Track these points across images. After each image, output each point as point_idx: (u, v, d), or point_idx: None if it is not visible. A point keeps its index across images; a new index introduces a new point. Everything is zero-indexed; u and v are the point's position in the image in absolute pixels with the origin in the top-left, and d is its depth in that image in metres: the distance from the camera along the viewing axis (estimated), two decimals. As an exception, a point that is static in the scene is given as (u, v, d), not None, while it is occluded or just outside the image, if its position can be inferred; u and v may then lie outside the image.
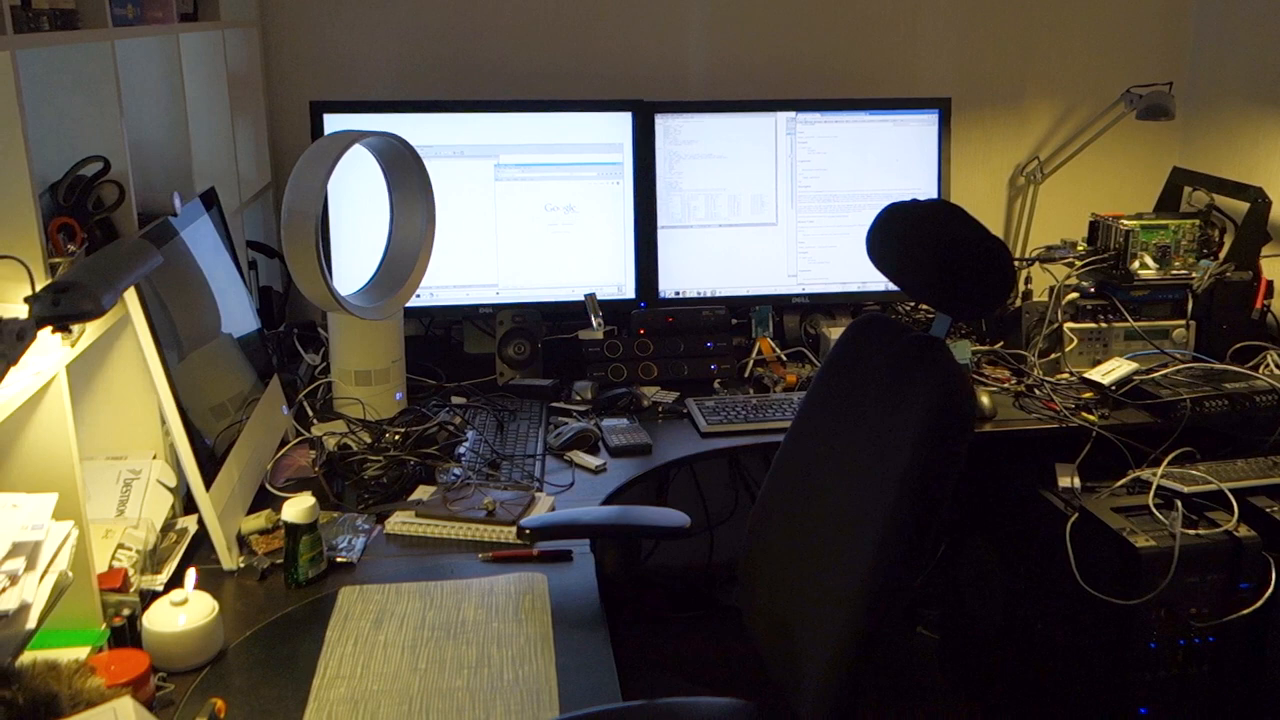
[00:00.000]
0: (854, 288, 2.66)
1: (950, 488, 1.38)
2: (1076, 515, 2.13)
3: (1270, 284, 2.56)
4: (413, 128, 2.28)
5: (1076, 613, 2.14)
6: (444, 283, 2.51)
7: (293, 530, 1.62)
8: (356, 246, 2.40)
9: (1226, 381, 2.34)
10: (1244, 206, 2.54)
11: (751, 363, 2.55)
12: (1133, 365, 2.39)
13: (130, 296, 1.53)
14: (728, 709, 1.34)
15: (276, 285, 2.59)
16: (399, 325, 2.27)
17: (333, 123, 2.41)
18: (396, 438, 2.05)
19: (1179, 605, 2.05)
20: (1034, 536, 2.26)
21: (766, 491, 1.68)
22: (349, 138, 2.02)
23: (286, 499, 1.67)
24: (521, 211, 2.53)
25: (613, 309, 2.53)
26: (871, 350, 1.57)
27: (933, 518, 1.37)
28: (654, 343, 2.50)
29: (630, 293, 2.59)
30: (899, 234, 1.51)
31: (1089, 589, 2.06)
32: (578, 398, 2.36)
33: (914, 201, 1.52)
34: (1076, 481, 2.21)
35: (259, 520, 1.74)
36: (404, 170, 2.20)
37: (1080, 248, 2.63)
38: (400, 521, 1.82)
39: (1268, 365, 2.46)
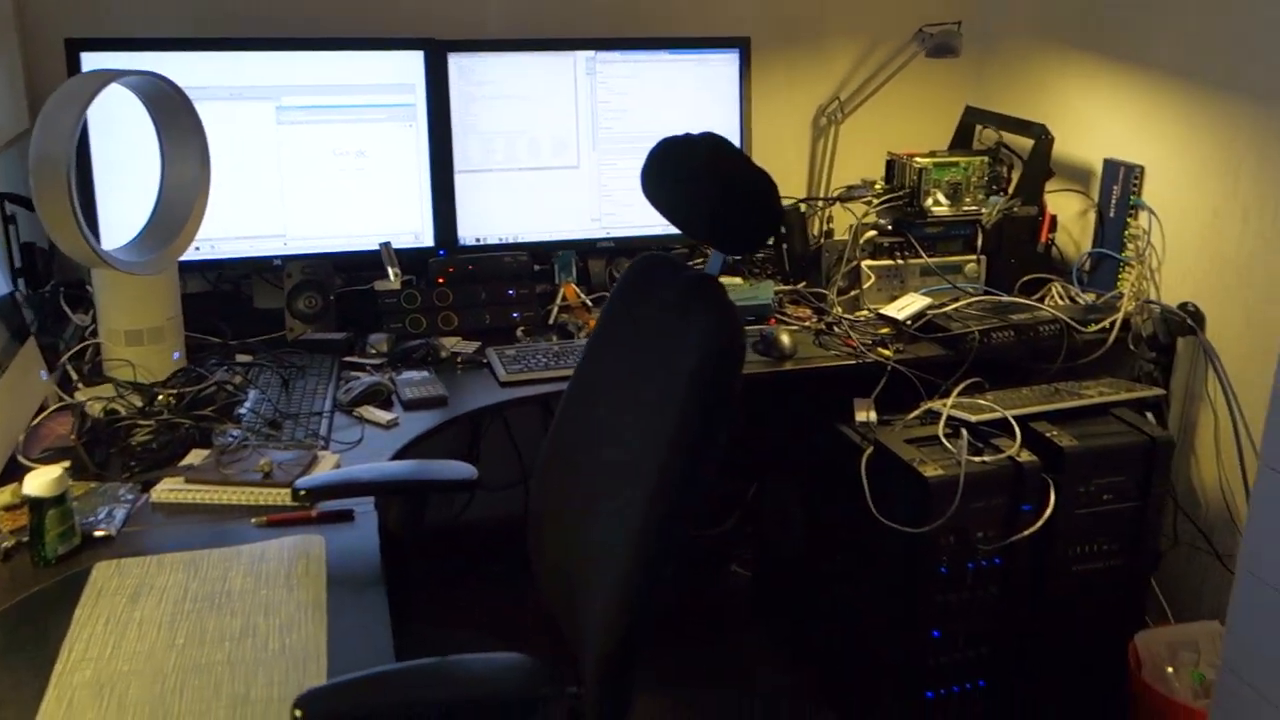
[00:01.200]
0: (658, 230, 2.61)
1: (725, 425, 1.36)
2: (872, 449, 2.18)
3: (1054, 218, 2.66)
4: (183, 68, 2.12)
5: (873, 543, 2.19)
6: (227, 234, 2.36)
7: (36, 504, 1.49)
8: (128, 197, 2.22)
9: (1013, 313, 2.42)
10: (1030, 143, 2.62)
11: (556, 309, 2.50)
12: (926, 300, 2.45)
13: None
14: (504, 664, 1.30)
15: (41, 241, 2.38)
16: (174, 280, 2.12)
17: (91, 62, 2.22)
18: (170, 400, 1.92)
19: (966, 530, 2.12)
20: (833, 471, 2.30)
21: (550, 437, 1.64)
22: (104, 77, 1.86)
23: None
24: (308, 157, 2.39)
25: (410, 258, 2.43)
26: (650, 290, 1.54)
27: (707, 459, 1.36)
28: (454, 292, 2.41)
29: (428, 241, 2.49)
30: (670, 170, 1.47)
31: (883, 519, 2.11)
32: (372, 351, 2.26)
33: (685, 136, 1.48)
34: (873, 415, 2.26)
35: (3, 495, 1.60)
36: (172, 114, 2.04)
37: (878, 186, 2.67)
38: (168, 489, 1.70)
39: (1052, 296, 2.57)
